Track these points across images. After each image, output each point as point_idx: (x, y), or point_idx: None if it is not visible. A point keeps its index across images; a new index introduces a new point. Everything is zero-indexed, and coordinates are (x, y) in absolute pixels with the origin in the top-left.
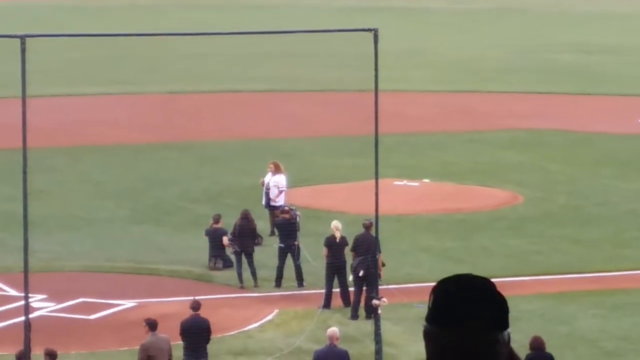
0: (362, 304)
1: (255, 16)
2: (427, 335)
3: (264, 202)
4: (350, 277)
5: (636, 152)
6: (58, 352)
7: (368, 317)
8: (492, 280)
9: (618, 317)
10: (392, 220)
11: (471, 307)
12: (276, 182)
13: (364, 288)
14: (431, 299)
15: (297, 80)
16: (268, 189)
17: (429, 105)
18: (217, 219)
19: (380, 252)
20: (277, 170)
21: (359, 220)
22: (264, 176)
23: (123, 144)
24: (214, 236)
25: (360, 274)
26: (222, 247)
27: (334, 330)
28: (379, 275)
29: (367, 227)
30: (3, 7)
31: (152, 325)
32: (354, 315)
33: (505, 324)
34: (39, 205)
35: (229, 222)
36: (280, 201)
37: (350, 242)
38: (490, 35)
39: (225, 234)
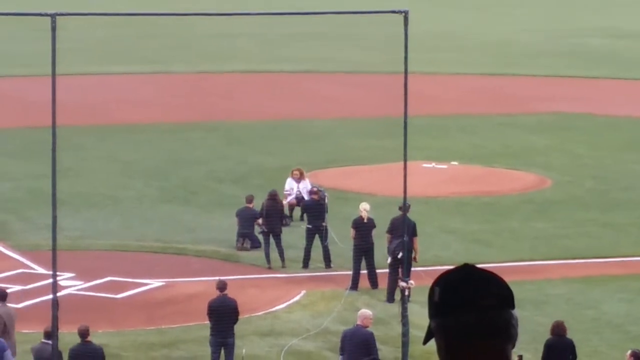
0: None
1: None
2: (440, 329)
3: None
4: (389, 260)
5: None
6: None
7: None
8: (520, 263)
9: None
10: (420, 202)
11: (481, 288)
12: (305, 187)
13: (400, 270)
14: (436, 292)
15: (326, 61)
16: (299, 196)
17: (458, 88)
18: (249, 199)
19: (416, 235)
20: (302, 176)
21: (387, 202)
22: (286, 183)
23: (151, 123)
24: (244, 216)
25: (399, 255)
26: (251, 227)
27: (362, 311)
28: (414, 259)
29: (400, 208)
30: None
31: (1, 296)
32: (390, 298)
33: (513, 303)
34: (68, 184)
35: (256, 202)
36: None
37: (380, 225)
38: (521, 19)
39: (255, 214)
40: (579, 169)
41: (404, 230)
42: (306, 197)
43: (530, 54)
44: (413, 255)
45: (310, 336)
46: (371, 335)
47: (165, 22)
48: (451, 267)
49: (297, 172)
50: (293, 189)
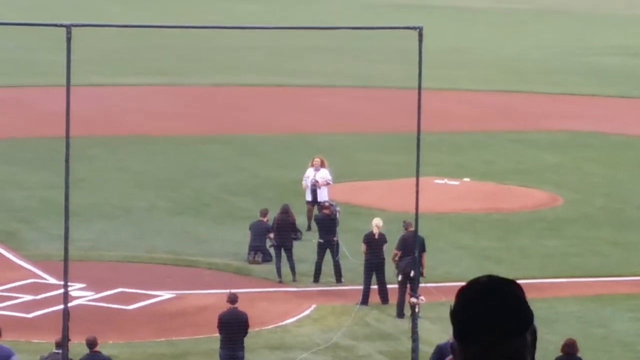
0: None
1: (300, 10)
2: (453, 351)
3: (310, 198)
4: (399, 277)
5: None
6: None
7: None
8: (530, 281)
9: None
10: (431, 218)
11: (501, 312)
12: (322, 177)
13: (409, 286)
14: (453, 315)
15: (340, 75)
16: (316, 185)
17: (471, 105)
18: (264, 213)
19: (425, 251)
20: (322, 165)
21: (398, 218)
22: (305, 172)
23: (164, 134)
24: (257, 229)
25: (412, 274)
26: (264, 240)
27: None
28: (422, 274)
29: (409, 225)
30: None
31: None
32: (400, 314)
33: (525, 326)
34: (80, 194)
35: (270, 217)
36: (324, 196)
37: (392, 241)
38: (534, 36)
39: (268, 228)
40: (591, 187)
41: (415, 248)
42: (320, 183)
43: (543, 72)
44: (420, 270)
45: (320, 350)
46: (442, 346)
47: (180, 34)
48: (461, 283)
49: (317, 160)
50: (309, 177)
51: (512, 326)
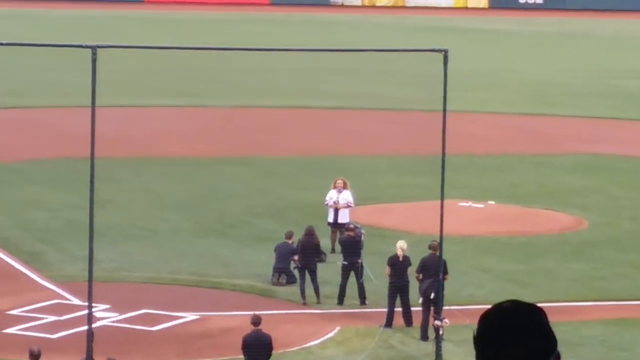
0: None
1: (325, 32)
2: None
3: (331, 220)
4: (420, 300)
5: None
6: None
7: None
8: (555, 304)
9: None
10: (456, 241)
11: (512, 350)
12: (345, 198)
13: (432, 309)
14: (474, 340)
15: (365, 97)
16: (335, 206)
17: (496, 127)
18: (289, 235)
19: (447, 273)
20: (345, 187)
21: (423, 240)
22: (327, 194)
23: (188, 156)
24: (282, 251)
25: (432, 296)
26: (288, 262)
27: None
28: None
29: (434, 248)
30: (74, 17)
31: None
32: (424, 336)
33: (548, 352)
34: (104, 215)
35: (295, 239)
36: (345, 218)
37: (416, 263)
38: (559, 59)
39: (294, 250)
40: (617, 210)
41: (437, 270)
42: (340, 205)
43: (569, 95)
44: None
45: None
46: None
47: (204, 56)
48: (485, 306)
49: (340, 182)
50: (332, 198)
51: (535, 352)
